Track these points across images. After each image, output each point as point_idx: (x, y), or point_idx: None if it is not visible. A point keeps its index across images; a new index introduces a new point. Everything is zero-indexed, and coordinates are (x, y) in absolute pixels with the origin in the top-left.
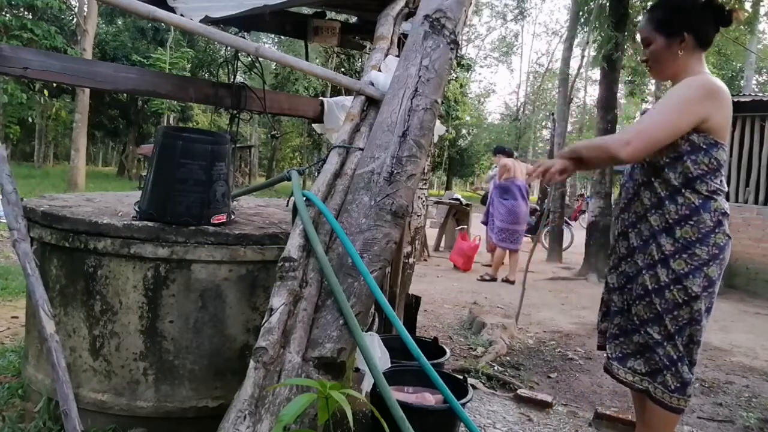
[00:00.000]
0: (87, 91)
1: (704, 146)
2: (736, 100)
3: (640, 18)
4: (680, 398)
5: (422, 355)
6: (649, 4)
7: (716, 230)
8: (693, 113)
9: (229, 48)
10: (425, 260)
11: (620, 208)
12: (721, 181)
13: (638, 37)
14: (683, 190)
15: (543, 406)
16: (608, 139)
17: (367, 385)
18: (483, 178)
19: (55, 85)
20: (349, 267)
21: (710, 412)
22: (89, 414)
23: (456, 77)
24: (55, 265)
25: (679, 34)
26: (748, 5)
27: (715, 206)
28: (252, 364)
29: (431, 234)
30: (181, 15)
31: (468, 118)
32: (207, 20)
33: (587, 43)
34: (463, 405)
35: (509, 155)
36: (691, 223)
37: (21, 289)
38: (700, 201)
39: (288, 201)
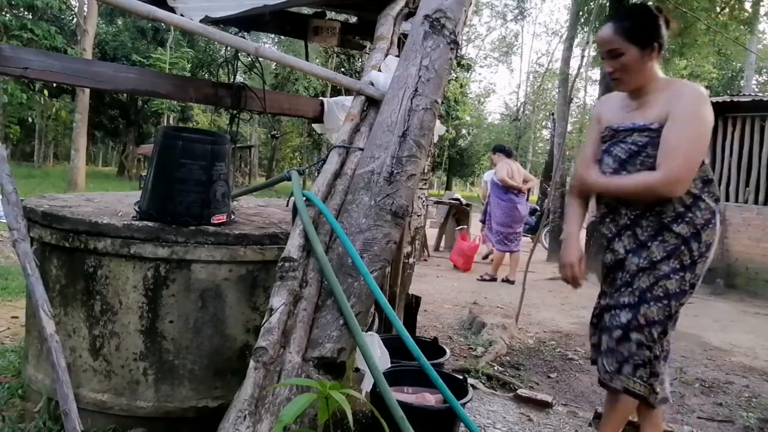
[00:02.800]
0: (87, 91)
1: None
2: (736, 100)
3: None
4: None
5: (422, 355)
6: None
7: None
8: (711, 124)
9: (229, 48)
10: (425, 260)
11: (607, 213)
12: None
13: (602, 46)
14: (702, 196)
15: (543, 406)
16: (650, 180)
17: (367, 385)
18: (481, 189)
19: (55, 85)
20: (349, 267)
21: (710, 412)
22: (89, 414)
23: (456, 77)
24: (55, 265)
25: (651, 43)
26: (748, 5)
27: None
28: (252, 364)
29: (431, 234)
30: (181, 15)
31: (468, 118)
32: (207, 20)
33: (587, 43)
34: (463, 405)
35: (508, 155)
36: (711, 225)
37: (21, 289)
38: (714, 203)
39: (288, 201)
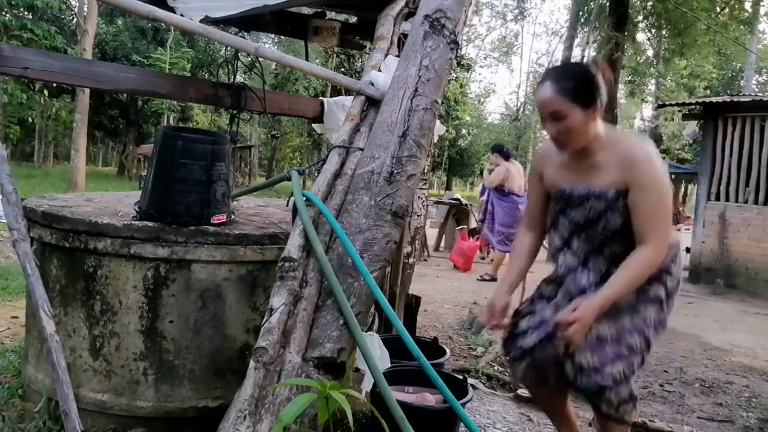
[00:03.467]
0: (87, 91)
1: None
2: (736, 100)
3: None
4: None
5: (422, 355)
6: (649, 4)
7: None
8: (667, 177)
9: (229, 48)
10: (425, 260)
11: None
12: None
13: (542, 108)
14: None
15: None
16: (647, 260)
17: (367, 385)
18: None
19: (55, 85)
20: (349, 267)
21: (710, 412)
22: (89, 414)
23: (456, 77)
24: (55, 265)
25: (594, 103)
26: (748, 5)
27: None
28: (252, 364)
29: (431, 234)
30: (181, 15)
31: (468, 118)
32: (207, 20)
33: (587, 43)
34: (463, 405)
35: (507, 157)
36: (677, 260)
37: (21, 289)
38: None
39: (288, 201)
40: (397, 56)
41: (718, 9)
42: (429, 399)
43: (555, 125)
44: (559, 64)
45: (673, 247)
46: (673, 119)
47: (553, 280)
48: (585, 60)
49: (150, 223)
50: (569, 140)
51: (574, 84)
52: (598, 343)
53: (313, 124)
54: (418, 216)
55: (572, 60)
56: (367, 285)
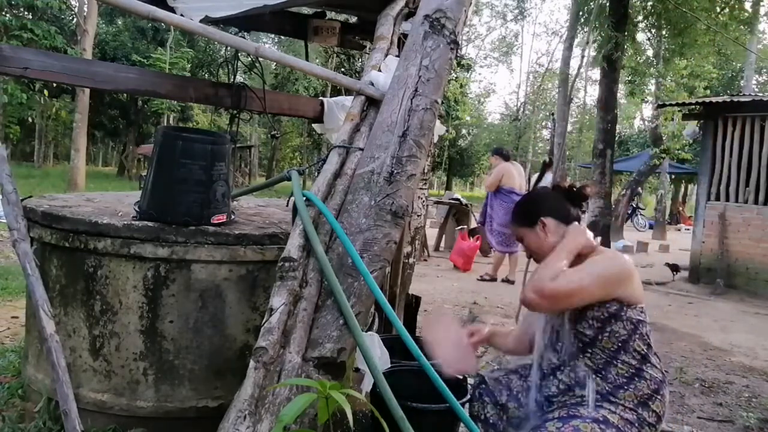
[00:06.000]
0: (87, 91)
1: None
2: (736, 100)
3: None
4: None
5: (422, 355)
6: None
7: None
8: (616, 274)
9: (229, 48)
10: (425, 260)
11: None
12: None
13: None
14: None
15: None
16: (530, 282)
17: (367, 385)
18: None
19: (55, 85)
20: (349, 267)
21: (710, 412)
22: (89, 414)
23: (456, 77)
24: (55, 265)
25: (537, 221)
26: (748, 5)
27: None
28: (252, 364)
29: (431, 234)
30: (181, 15)
31: (468, 118)
32: (207, 20)
33: (587, 43)
34: (463, 405)
35: (506, 158)
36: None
37: (21, 289)
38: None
39: (288, 201)
40: (397, 56)
41: (718, 9)
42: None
43: (522, 246)
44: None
45: (654, 381)
46: (673, 119)
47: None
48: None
49: (150, 223)
50: (534, 255)
51: (519, 210)
52: None
53: (313, 124)
54: (418, 216)
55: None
56: (367, 285)
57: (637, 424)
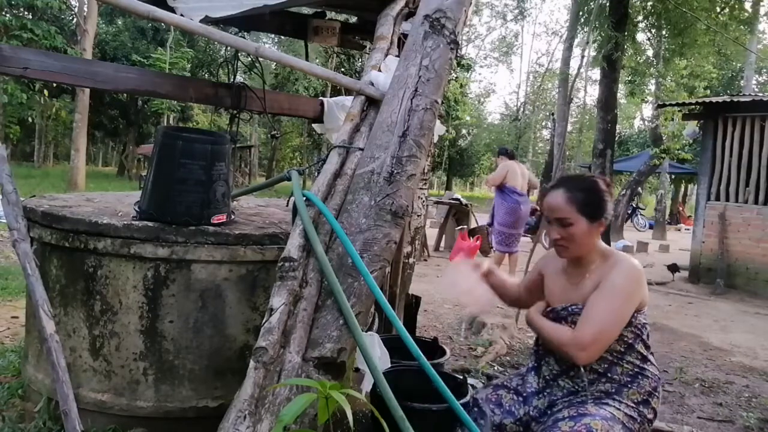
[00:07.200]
0: (87, 91)
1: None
2: (736, 100)
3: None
4: None
5: (422, 355)
6: (649, 4)
7: None
8: (637, 300)
9: (229, 48)
10: (425, 260)
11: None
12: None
13: (550, 212)
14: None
15: None
16: (564, 338)
17: (367, 385)
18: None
19: (55, 85)
20: (349, 267)
21: (710, 412)
22: (89, 414)
23: (456, 77)
24: (55, 265)
25: (600, 218)
26: (748, 5)
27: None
28: (252, 364)
29: (431, 234)
30: (181, 15)
31: (468, 118)
32: (207, 20)
33: (587, 43)
34: (463, 405)
35: (511, 157)
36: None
37: (21, 289)
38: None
39: (288, 201)
40: (397, 56)
41: (718, 9)
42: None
43: (560, 230)
44: (572, 174)
45: (652, 379)
46: (673, 119)
47: (524, 377)
48: (595, 174)
49: (150, 223)
50: (570, 247)
51: (585, 197)
52: None
53: (313, 124)
54: (418, 216)
55: (583, 175)
56: (367, 285)
57: (638, 421)
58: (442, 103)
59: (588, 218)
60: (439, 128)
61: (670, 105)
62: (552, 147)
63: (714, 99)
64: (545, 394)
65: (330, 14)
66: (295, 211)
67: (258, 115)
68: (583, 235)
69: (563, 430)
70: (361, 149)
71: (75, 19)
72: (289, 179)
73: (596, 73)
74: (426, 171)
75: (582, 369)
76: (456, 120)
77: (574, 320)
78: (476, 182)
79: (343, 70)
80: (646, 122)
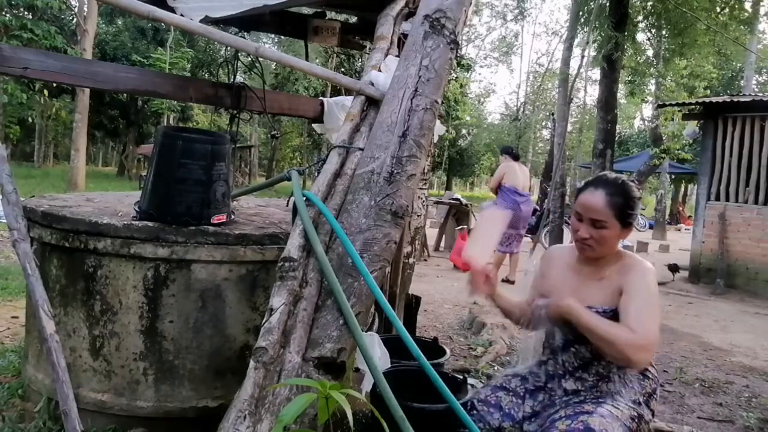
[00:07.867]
0: (87, 91)
1: None
2: (736, 100)
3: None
4: None
5: (422, 355)
6: (649, 4)
7: None
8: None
9: (229, 48)
10: (425, 260)
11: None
12: None
13: (585, 210)
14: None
15: None
16: (622, 337)
17: (367, 385)
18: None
19: (55, 85)
20: (349, 267)
21: (710, 412)
22: (89, 414)
23: (456, 77)
24: (55, 265)
25: (631, 225)
26: (748, 5)
27: None
28: (252, 364)
29: (431, 234)
30: (181, 15)
31: (468, 118)
32: (207, 20)
33: (587, 43)
34: (463, 405)
35: (515, 157)
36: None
37: (21, 289)
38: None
39: (288, 201)
40: (397, 56)
41: (718, 9)
42: None
43: (591, 231)
44: (611, 177)
45: (655, 380)
46: (673, 119)
47: (524, 377)
48: (632, 177)
49: (150, 223)
50: (597, 248)
51: (624, 203)
52: None
53: (313, 124)
54: (418, 216)
55: (616, 175)
56: (367, 285)
57: (637, 421)
58: (442, 103)
59: (621, 224)
60: (439, 128)
61: (670, 105)
62: (552, 147)
63: (714, 99)
64: (546, 390)
65: (330, 14)
66: (295, 211)
67: (258, 115)
68: (612, 239)
69: (561, 429)
70: (361, 149)
71: (75, 19)
72: (289, 179)
73: (596, 73)
74: (426, 171)
75: (591, 369)
76: (456, 120)
77: None
78: (476, 182)
79: (343, 70)
80: (646, 122)
